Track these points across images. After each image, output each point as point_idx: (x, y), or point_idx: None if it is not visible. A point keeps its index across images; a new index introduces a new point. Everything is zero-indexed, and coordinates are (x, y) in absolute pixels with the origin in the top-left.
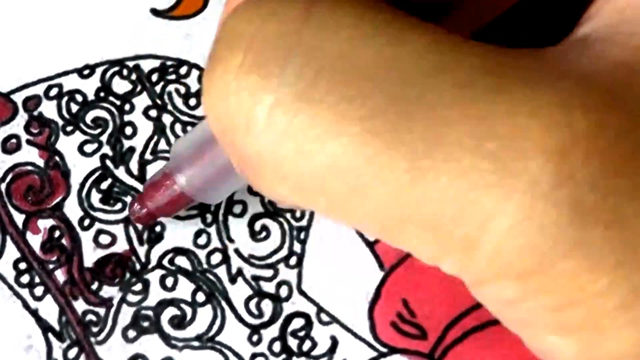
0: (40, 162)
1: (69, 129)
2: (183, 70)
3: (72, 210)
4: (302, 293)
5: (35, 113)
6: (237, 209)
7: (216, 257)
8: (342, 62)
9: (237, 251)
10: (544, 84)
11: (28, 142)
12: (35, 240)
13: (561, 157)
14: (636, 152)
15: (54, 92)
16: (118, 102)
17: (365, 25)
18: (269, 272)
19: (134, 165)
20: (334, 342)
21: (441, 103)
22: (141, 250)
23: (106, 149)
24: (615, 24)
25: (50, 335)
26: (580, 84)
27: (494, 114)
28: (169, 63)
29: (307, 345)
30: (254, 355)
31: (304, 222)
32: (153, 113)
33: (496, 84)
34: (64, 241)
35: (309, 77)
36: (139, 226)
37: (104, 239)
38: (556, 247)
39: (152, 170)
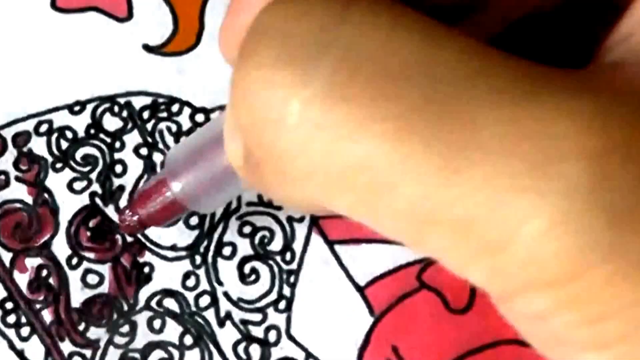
0: (29, 199)
1: (59, 165)
2: (175, 107)
3: (60, 248)
4: (291, 338)
5: (25, 149)
6: (227, 251)
7: (205, 300)
8: (378, 61)
9: (226, 294)
10: (580, 94)
11: (17, 178)
12: (22, 279)
13: (600, 160)
14: None
15: (44, 128)
16: (108, 140)
17: (401, 28)
18: (257, 316)
19: (123, 203)
20: None
21: (477, 105)
22: (129, 291)
23: (96, 187)
24: None
25: None
26: (616, 97)
27: (531, 116)
28: (160, 100)
29: None
30: None
31: (294, 266)
32: (144, 151)
33: (532, 90)
34: (51, 280)
35: (345, 74)
36: (127, 266)
37: (92, 279)
38: (592, 252)
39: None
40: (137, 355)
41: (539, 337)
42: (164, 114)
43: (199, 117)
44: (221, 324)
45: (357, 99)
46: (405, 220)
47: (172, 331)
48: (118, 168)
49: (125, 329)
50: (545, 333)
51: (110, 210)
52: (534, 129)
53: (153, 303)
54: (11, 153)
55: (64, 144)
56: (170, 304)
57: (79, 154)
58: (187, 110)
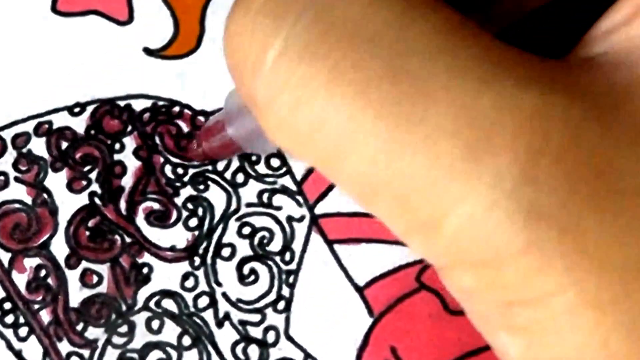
0: (28, 200)
1: (58, 165)
2: (175, 110)
3: (59, 248)
4: (290, 338)
5: (24, 150)
6: (226, 252)
7: (203, 301)
8: (351, 25)
9: (224, 295)
10: (535, 87)
11: (16, 179)
12: (20, 280)
13: (529, 159)
14: (607, 169)
15: (43, 129)
16: (108, 141)
17: None
18: (256, 317)
19: (122, 204)
20: None
21: (434, 84)
22: (128, 291)
23: (95, 187)
24: (626, 51)
25: None
26: (573, 96)
27: (479, 104)
28: (160, 103)
29: None
30: None
31: (293, 266)
32: (143, 153)
33: (490, 76)
34: (49, 280)
35: (318, 33)
36: (126, 267)
37: (91, 279)
38: (510, 244)
39: (141, 210)
40: (135, 355)
41: (471, 311)
42: (164, 117)
43: (199, 120)
44: (220, 324)
45: (323, 60)
46: (355, 185)
47: (171, 332)
48: (117, 169)
49: (124, 329)
50: (474, 308)
51: (109, 211)
52: (479, 118)
53: (151, 303)
54: (11, 154)
55: (64, 144)
56: (169, 304)
57: (78, 154)
58: (187, 113)
